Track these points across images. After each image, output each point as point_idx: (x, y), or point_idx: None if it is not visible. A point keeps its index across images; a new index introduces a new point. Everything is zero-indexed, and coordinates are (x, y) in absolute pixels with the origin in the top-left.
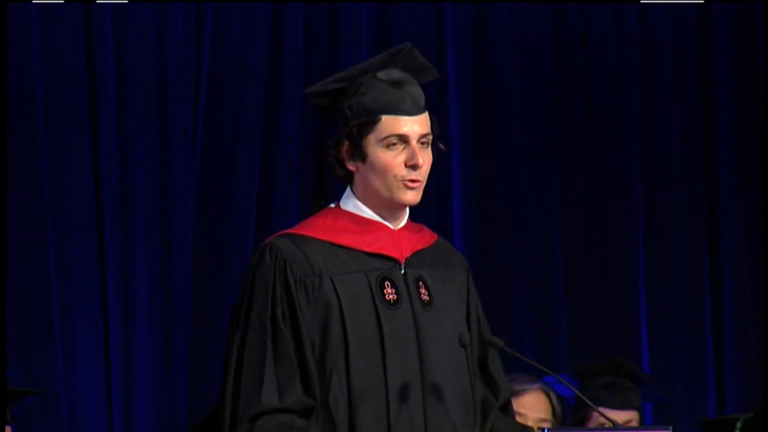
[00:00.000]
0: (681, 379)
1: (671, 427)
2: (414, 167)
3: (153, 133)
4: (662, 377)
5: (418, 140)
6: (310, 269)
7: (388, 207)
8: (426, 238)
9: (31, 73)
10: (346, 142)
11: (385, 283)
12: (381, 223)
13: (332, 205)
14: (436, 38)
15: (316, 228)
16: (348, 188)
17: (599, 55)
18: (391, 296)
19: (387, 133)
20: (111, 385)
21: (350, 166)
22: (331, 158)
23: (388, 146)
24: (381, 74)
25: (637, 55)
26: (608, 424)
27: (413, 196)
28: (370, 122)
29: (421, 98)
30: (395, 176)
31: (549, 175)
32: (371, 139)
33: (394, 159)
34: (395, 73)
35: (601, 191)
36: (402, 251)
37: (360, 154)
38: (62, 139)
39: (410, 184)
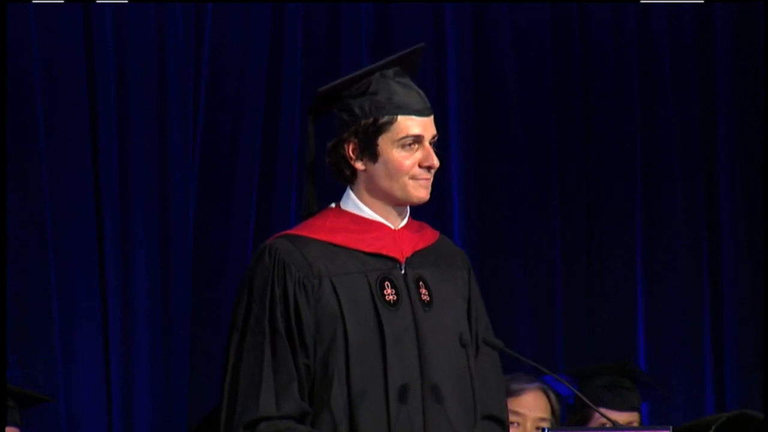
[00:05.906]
0: (680, 379)
1: (671, 428)
2: (429, 168)
3: (153, 133)
4: (661, 377)
5: (430, 141)
6: (309, 270)
7: (395, 206)
8: (427, 236)
9: (31, 73)
10: (355, 141)
11: (385, 284)
12: (381, 223)
13: (332, 206)
14: (436, 38)
15: (316, 228)
16: (348, 188)
17: (599, 55)
18: (391, 297)
19: (404, 134)
20: (111, 385)
21: (358, 166)
22: (339, 158)
23: (404, 146)
24: (389, 73)
25: (637, 55)
26: (609, 425)
27: (425, 193)
28: (386, 122)
29: (426, 99)
30: (408, 175)
31: (549, 175)
32: (386, 138)
33: (408, 159)
34: (401, 73)
35: (600, 191)
36: (402, 251)
37: (371, 154)
38: (62, 139)
39: (422, 182)
